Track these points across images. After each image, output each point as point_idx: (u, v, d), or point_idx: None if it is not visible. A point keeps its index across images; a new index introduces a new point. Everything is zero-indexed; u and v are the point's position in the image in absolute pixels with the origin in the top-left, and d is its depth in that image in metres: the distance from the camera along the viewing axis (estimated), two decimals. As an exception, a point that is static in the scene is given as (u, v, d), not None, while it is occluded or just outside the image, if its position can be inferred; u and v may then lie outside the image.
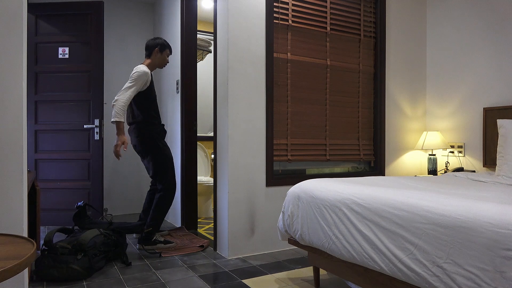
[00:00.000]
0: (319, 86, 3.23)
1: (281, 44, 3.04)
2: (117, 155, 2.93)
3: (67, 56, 3.74)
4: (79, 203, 2.96)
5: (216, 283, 2.31)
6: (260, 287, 2.26)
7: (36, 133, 3.75)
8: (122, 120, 2.84)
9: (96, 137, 3.71)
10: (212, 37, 4.90)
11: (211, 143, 4.78)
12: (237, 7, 2.83)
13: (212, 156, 3.39)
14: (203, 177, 4.45)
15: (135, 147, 3.11)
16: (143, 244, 2.94)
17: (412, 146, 3.74)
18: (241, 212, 2.84)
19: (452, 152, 3.56)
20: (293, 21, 3.09)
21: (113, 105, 2.84)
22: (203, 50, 4.91)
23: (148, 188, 4.57)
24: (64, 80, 3.75)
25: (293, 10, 3.08)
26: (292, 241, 2.27)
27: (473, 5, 3.41)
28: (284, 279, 2.39)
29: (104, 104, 3.83)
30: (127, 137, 3.06)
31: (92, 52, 3.75)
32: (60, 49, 3.74)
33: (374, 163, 3.55)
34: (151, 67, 3.07)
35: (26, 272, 1.91)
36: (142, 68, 2.95)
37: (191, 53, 3.73)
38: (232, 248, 2.81)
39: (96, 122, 3.70)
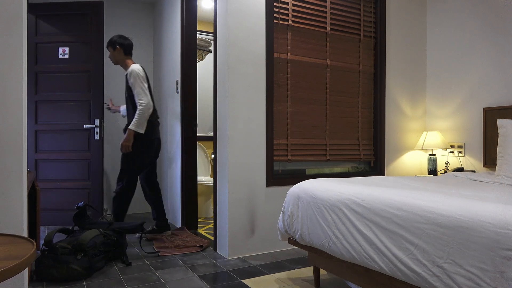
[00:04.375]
0: (319, 86, 3.23)
1: (281, 44, 3.04)
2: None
3: (67, 56, 3.73)
4: (79, 204, 2.96)
5: (216, 283, 2.31)
6: (260, 287, 2.26)
7: (36, 133, 3.75)
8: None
9: (96, 137, 3.70)
10: (212, 37, 4.90)
11: (211, 143, 4.79)
12: (237, 7, 2.83)
13: (212, 156, 3.39)
14: (203, 177, 4.45)
15: (160, 141, 3.42)
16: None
17: (412, 146, 3.74)
18: (241, 212, 2.84)
19: (452, 152, 3.56)
20: (293, 21, 3.09)
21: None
22: (203, 50, 4.91)
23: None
24: (64, 80, 3.74)
25: (293, 10, 3.08)
26: (292, 241, 2.27)
27: (473, 5, 3.41)
28: (284, 279, 2.39)
29: (104, 104, 3.83)
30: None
31: (92, 52, 3.74)
32: (60, 49, 3.73)
33: (374, 163, 3.55)
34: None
35: (26, 272, 1.91)
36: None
37: (191, 53, 3.73)
38: (232, 248, 2.81)
39: (96, 122, 3.69)
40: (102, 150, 3.72)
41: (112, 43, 3.28)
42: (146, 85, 3.16)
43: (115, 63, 3.34)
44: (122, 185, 3.18)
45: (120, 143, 3.13)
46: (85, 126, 3.70)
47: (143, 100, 3.09)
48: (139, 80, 3.11)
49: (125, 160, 3.20)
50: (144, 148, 3.19)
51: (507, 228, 1.24)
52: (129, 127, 3.09)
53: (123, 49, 3.28)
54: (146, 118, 3.12)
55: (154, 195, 3.39)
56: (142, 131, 3.12)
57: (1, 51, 1.79)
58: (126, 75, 3.21)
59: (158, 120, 3.36)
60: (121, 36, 3.30)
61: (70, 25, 3.75)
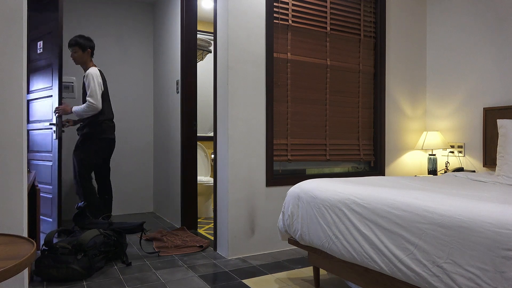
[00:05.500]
0: (319, 86, 3.23)
1: (281, 44, 3.04)
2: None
3: (42, 50, 3.51)
4: (79, 204, 2.96)
5: (216, 283, 2.31)
6: (260, 287, 2.26)
7: (28, 133, 3.67)
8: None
9: (54, 136, 3.25)
10: (212, 37, 4.90)
11: (211, 143, 4.79)
12: (237, 7, 2.83)
13: (212, 156, 3.39)
14: (203, 177, 4.45)
15: (114, 141, 3.50)
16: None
17: (412, 146, 3.74)
18: (241, 212, 2.84)
19: (452, 152, 3.56)
20: (293, 21, 3.09)
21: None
22: (203, 50, 4.91)
23: (149, 187, 4.54)
24: (40, 76, 3.51)
25: (293, 10, 3.08)
26: (292, 241, 2.27)
27: (473, 5, 3.41)
28: (284, 279, 2.39)
29: (62, 99, 3.36)
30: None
31: (53, 41, 3.35)
32: (39, 44, 3.54)
33: (374, 163, 3.55)
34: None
35: (26, 272, 1.91)
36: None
37: (191, 53, 3.73)
38: (232, 248, 2.81)
39: (52, 119, 3.28)
40: (60, 151, 3.23)
41: (81, 45, 3.34)
42: (99, 90, 3.29)
43: (78, 63, 3.41)
44: (83, 193, 3.31)
45: (61, 106, 3.24)
46: (43, 125, 3.37)
47: (94, 102, 3.26)
48: (94, 84, 3.27)
49: (78, 160, 3.32)
50: (95, 148, 3.35)
51: (507, 228, 1.24)
52: (73, 107, 3.30)
53: (92, 51, 3.41)
54: (86, 116, 3.31)
55: (100, 196, 3.51)
56: (76, 118, 3.38)
57: (1, 50, 1.79)
58: (84, 76, 3.33)
59: (113, 120, 3.49)
60: (88, 38, 3.38)
61: (43, 16, 3.42)
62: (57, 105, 3.26)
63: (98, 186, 3.54)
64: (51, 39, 3.36)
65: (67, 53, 3.69)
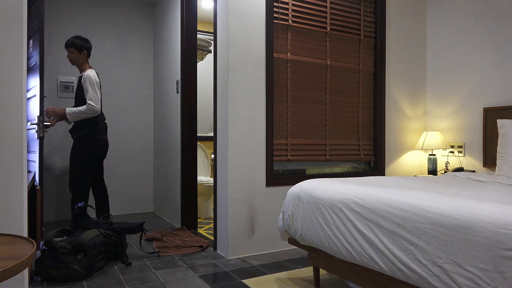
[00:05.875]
0: (319, 86, 3.23)
1: (281, 44, 3.04)
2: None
3: (32, 49, 3.39)
4: (79, 204, 2.96)
5: (216, 283, 2.31)
6: (260, 287, 2.26)
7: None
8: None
9: (35, 136, 3.07)
10: (212, 37, 4.90)
11: (211, 143, 4.79)
12: (237, 7, 2.83)
13: (212, 156, 3.39)
14: (203, 177, 4.45)
15: (108, 142, 3.47)
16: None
17: (412, 146, 3.74)
18: (241, 212, 2.84)
19: (452, 152, 3.56)
20: (293, 21, 3.09)
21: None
22: (203, 50, 4.91)
23: (149, 187, 4.55)
24: (31, 75, 3.32)
25: (293, 10, 3.08)
26: (292, 241, 2.27)
27: (473, 5, 3.41)
28: (284, 279, 2.39)
29: (44, 97, 3.17)
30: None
31: (34, 39, 3.28)
32: (30, 42, 3.41)
33: (374, 163, 3.55)
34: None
35: (26, 272, 1.91)
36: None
37: (191, 53, 3.73)
38: (232, 248, 2.81)
39: (34, 118, 3.13)
40: (42, 151, 2.96)
41: (78, 46, 3.30)
42: (99, 93, 3.26)
43: (74, 64, 3.38)
44: (73, 190, 3.30)
45: (51, 108, 3.21)
46: (29, 125, 3.17)
47: (95, 105, 3.22)
48: (93, 86, 3.23)
49: (72, 164, 3.31)
50: (89, 149, 3.31)
51: (507, 228, 1.24)
52: (67, 108, 3.21)
53: (88, 53, 3.37)
54: (83, 117, 3.24)
55: (96, 197, 3.49)
56: (70, 121, 3.26)
57: (1, 51, 1.79)
58: (80, 77, 3.29)
59: (105, 122, 3.45)
60: (85, 39, 3.36)
61: (34, 12, 3.27)
62: (38, 104, 3.15)
63: (94, 188, 3.51)
64: (36, 37, 3.24)
65: (63, 52, 3.68)
